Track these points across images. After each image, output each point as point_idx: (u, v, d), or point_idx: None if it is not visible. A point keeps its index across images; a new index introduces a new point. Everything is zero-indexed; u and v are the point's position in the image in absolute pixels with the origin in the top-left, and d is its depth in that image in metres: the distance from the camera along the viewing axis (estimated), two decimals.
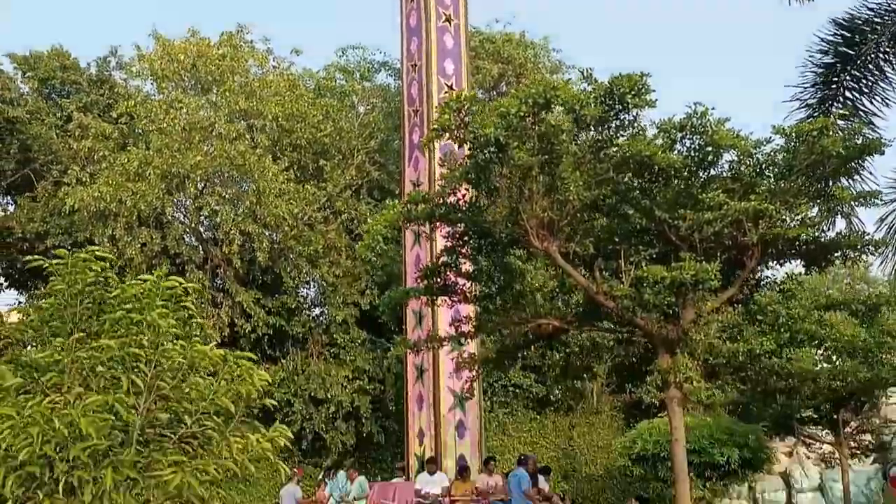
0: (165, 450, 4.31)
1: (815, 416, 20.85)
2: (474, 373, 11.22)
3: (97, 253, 4.61)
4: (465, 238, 9.96)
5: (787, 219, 8.61)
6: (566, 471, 25.98)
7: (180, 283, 4.71)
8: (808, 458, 24.43)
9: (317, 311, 23.35)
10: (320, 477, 19.87)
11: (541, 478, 16.14)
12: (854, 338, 9.89)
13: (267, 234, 20.03)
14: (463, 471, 15.26)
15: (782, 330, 8.50)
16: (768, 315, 8.47)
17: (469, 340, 11.78)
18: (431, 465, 15.41)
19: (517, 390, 25.73)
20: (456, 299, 10.41)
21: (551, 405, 27.14)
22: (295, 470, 19.22)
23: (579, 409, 27.32)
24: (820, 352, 9.46)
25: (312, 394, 20.59)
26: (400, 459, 18.10)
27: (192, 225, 19.91)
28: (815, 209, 8.89)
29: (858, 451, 21.60)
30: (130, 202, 17.92)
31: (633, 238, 9.01)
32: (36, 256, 4.80)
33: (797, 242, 8.96)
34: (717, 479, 22.18)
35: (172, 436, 4.46)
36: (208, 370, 4.81)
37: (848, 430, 20.71)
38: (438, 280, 10.29)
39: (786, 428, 21.75)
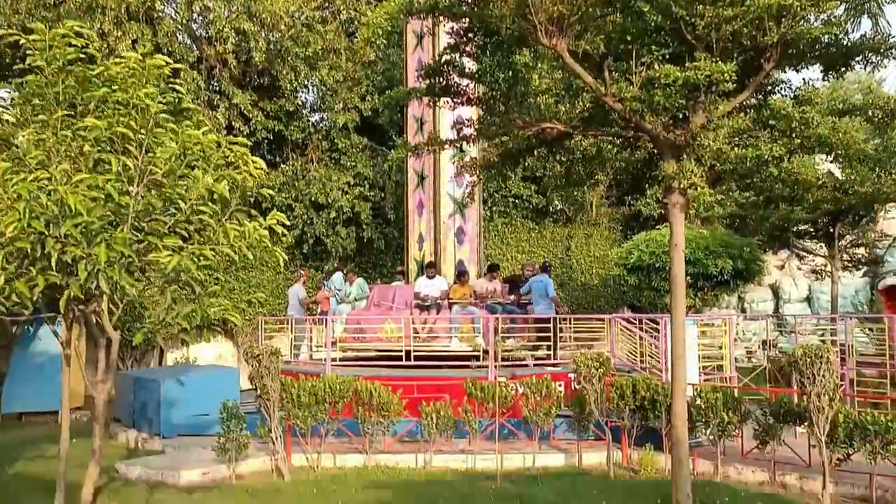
0: (161, 234, 4.21)
1: (812, 230, 21.08)
2: (475, 178, 11.06)
3: (76, 28, 4.28)
4: (470, 35, 9.46)
5: (812, 17, 8.13)
6: (562, 280, 26.57)
7: (167, 63, 4.42)
8: (800, 269, 24.94)
9: (316, 116, 22.90)
10: (322, 279, 20.35)
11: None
12: (866, 144, 9.67)
13: (263, 33, 19.21)
14: (461, 275, 15.53)
15: (794, 136, 8.23)
16: (781, 120, 8.15)
17: (471, 145, 11.52)
18: (431, 269, 15.66)
19: (516, 200, 25.84)
20: (458, 101, 10.05)
21: (550, 216, 27.37)
22: (301, 272, 19.60)
23: (578, 220, 27.60)
24: (829, 159, 9.20)
25: (313, 199, 20.61)
26: (400, 264, 18.40)
27: (184, 21, 19.01)
28: (842, 7, 8.37)
29: (850, 264, 22.02)
30: None
31: (646, 37, 8.50)
32: (11, 31, 4.47)
33: (818, 44, 8.53)
34: (710, 289, 22.72)
35: (168, 221, 4.34)
36: (201, 157, 4.62)
37: (842, 243, 21.00)
38: (440, 80, 9.86)
39: (781, 241, 22.05)
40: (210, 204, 4.52)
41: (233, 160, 4.58)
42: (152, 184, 4.56)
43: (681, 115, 8.75)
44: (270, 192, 20.49)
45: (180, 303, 4.46)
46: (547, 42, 8.22)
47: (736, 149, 8.44)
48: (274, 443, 10.53)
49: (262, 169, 4.70)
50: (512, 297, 15.88)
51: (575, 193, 26.61)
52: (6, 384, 16.03)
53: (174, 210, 4.41)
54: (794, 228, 21.01)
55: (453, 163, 15.97)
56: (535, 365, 14.18)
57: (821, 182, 10.43)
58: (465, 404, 11.10)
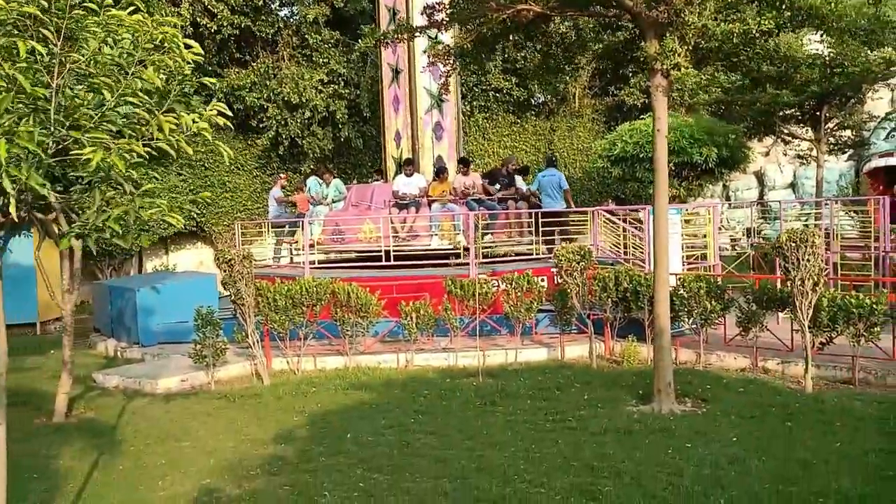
0: (86, 129, 3.79)
1: (798, 114, 20.61)
2: (448, 68, 10.52)
3: None
4: None
5: None
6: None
7: None
8: (785, 155, 24.59)
9: (285, 10, 21.92)
10: (301, 181, 19.89)
11: (518, 178, 16.11)
12: (858, 14, 9.17)
13: None
14: (440, 172, 15.13)
15: (783, 8, 7.73)
16: None
17: (443, 32, 10.89)
18: (408, 166, 15.23)
19: (497, 94, 25.18)
20: None
21: (532, 109, 26.77)
22: (281, 175, 19.11)
23: (560, 112, 27.00)
24: (817, 37, 8.71)
25: (286, 98, 19.92)
26: (379, 163, 17.92)
27: None
28: None
29: (836, 148, 21.67)
30: None
31: None
32: None
33: None
34: (694, 178, 22.47)
35: (95, 115, 3.92)
36: (130, 41, 4.15)
37: (829, 126, 20.59)
38: None
39: (766, 127, 21.59)
40: (142, 95, 4.07)
41: (163, 43, 4.11)
42: (77, 75, 4.10)
43: None
44: (241, 92, 19.95)
45: (113, 204, 4.07)
46: None
47: (722, 24, 7.94)
48: (252, 348, 10.35)
49: (199, 54, 4.23)
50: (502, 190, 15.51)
51: (557, 84, 26.02)
52: None
53: (103, 106, 3.97)
54: (780, 113, 20.51)
55: (427, 54, 15.33)
56: (516, 260, 14.00)
57: (810, 60, 9.87)
58: (446, 302, 10.91)
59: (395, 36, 10.00)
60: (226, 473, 6.63)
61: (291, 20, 21.23)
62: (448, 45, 10.38)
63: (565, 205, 15.70)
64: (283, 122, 20.35)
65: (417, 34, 10.23)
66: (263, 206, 20.61)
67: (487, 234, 14.61)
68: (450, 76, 11.13)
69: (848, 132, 21.57)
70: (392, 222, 14.43)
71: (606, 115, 27.25)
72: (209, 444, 7.51)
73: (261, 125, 20.61)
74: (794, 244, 8.55)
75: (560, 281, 10.93)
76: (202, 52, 4.37)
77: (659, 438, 7.12)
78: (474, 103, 25.22)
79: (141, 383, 10.22)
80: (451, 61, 10.33)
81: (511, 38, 10.14)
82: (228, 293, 10.48)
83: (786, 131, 21.48)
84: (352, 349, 11.13)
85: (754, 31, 7.71)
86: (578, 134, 26.88)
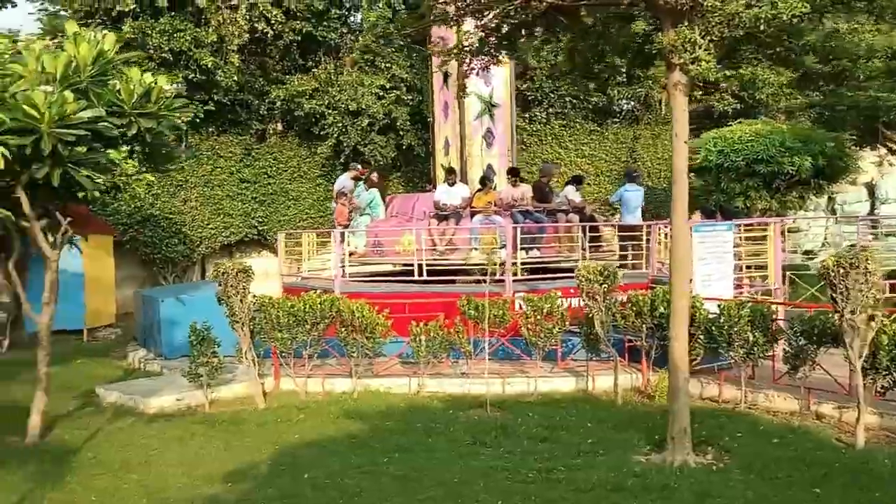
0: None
1: None
2: (469, 66, 9.54)
3: None
4: None
5: None
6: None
7: None
8: (893, 166, 22.30)
9: (348, 15, 21.51)
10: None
11: (570, 188, 15.00)
12: None
13: None
14: (485, 181, 14.19)
15: None
16: None
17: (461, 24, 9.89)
18: (451, 175, 14.35)
19: (574, 100, 23.90)
20: None
21: (613, 116, 25.37)
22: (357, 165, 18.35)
23: (645, 119, 25.48)
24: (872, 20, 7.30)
25: (344, 105, 19.39)
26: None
27: None
28: None
29: None
30: None
31: None
32: None
33: None
34: (787, 189, 20.67)
35: None
36: None
37: None
38: None
39: (869, 133, 19.55)
40: None
41: None
42: None
43: None
44: (301, 99, 19.58)
45: None
46: None
47: (752, 8, 6.71)
48: (250, 367, 9.71)
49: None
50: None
51: (640, 90, 24.58)
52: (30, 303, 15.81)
53: None
54: (885, 118, 18.49)
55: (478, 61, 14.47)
56: (562, 278, 12.88)
57: (868, 53, 8.19)
58: (458, 324, 9.96)
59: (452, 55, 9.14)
60: None
61: (354, 24, 20.77)
62: (459, 44, 9.42)
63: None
64: (343, 130, 19.84)
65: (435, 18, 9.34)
66: (326, 215, 20.19)
67: (533, 248, 13.56)
68: (485, 67, 9.99)
69: None
70: (431, 234, 13.60)
71: (695, 122, 25.49)
72: (156, 481, 6.85)
73: (322, 132, 20.21)
74: (841, 270, 7.18)
75: (583, 304, 9.79)
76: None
77: (650, 500, 5.97)
78: (550, 110, 24.08)
79: (136, 401, 9.76)
80: (468, 59, 9.38)
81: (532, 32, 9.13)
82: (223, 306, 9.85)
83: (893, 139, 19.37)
84: (363, 371, 10.34)
85: (786, 17, 6.43)
86: (664, 142, 25.24)
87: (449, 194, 14.05)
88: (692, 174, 20.87)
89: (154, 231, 19.47)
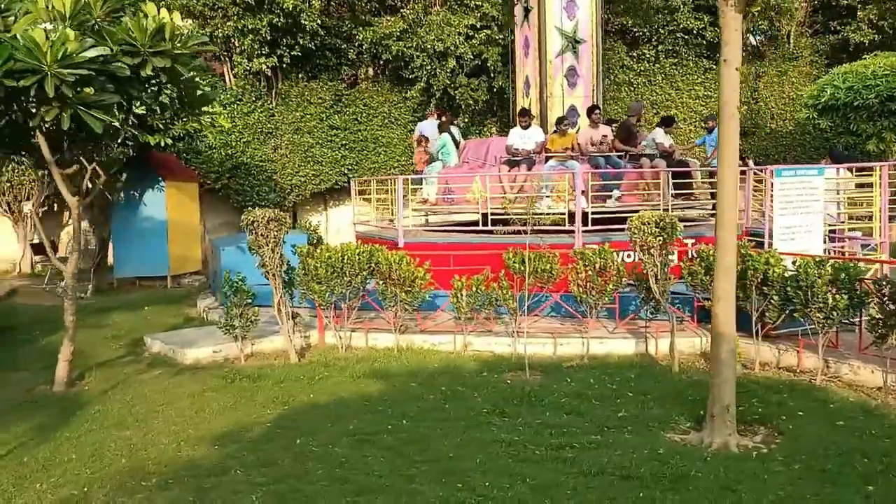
0: None
1: None
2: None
3: None
4: None
5: None
6: (745, 128, 22.79)
7: None
8: None
9: None
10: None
11: (659, 130, 13.67)
12: None
13: None
14: (561, 122, 13.12)
15: None
16: None
17: None
18: (524, 117, 13.34)
19: (687, 36, 22.05)
20: None
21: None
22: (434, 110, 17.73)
23: (770, 55, 23.22)
24: None
25: (429, 46, 18.57)
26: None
27: None
28: None
29: None
30: None
31: None
32: None
33: None
34: None
35: None
36: None
37: None
38: None
39: None
40: None
41: None
42: None
43: None
44: (388, 41, 18.89)
45: None
46: None
47: None
48: (281, 322, 9.30)
49: None
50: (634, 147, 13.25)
51: (761, 23, 22.36)
52: (115, 251, 16.22)
53: None
54: None
55: None
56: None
57: None
58: (502, 278, 9.13)
59: None
60: (118, 481, 5.62)
61: None
62: None
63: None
64: (432, 73, 19.07)
65: None
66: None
67: (609, 196, 12.46)
68: None
69: None
70: (500, 181, 12.74)
71: (830, 56, 23.03)
72: (144, 439, 6.53)
73: (411, 76, 19.52)
74: None
75: (638, 259, 8.73)
76: None
77: (660, 492, 5.07)
78: (660, 47, 22.36)
79: (175, 351, 9.58)
80: None
81: None
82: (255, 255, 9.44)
83: None
84: (408, 326, 9.76)
85: None
86: (791, 80, 23.03)
87: (522, 138, 13.09)
88: (816, 114, 18.91)
89: (245, 179, 19.50)
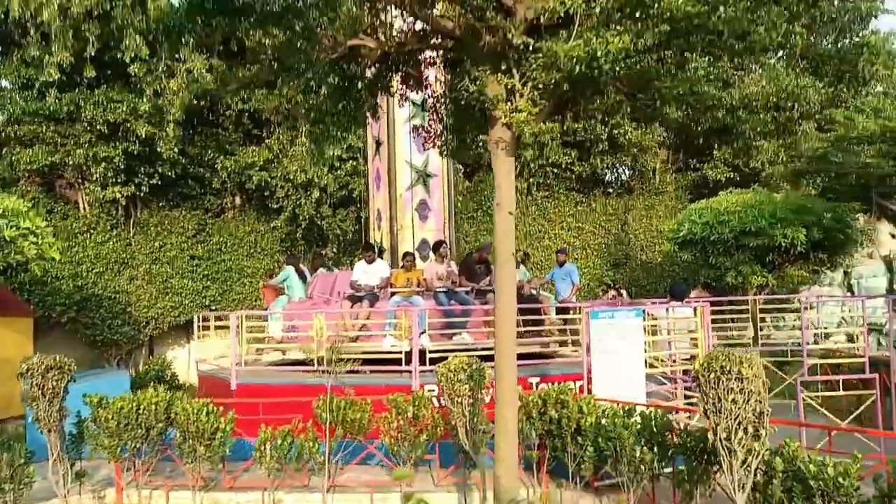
0: None
1: None
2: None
3: None
4: None
5: None
6: (616, 258, 23.23)
7: None
8: (894, 237, 20.38)
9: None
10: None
11: (522, 268, 13.55)
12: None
13: None
14: (406, 258, 12.80)
15: (648, 18, 4.97)
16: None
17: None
18: (369, 252, 12.97)
19: (556, 170, 22.55)
20: None
21: (601, 186, 23.95)
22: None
23: (638, 189, 23.98)
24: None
25: (291, 177, 18.34)
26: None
27: None
28: None
29: None
30: None
31: None
32: None
33: None
34: (781, 263, 19.02)
35: None
36: None
37: None
38: None
39: (864, 202, 17.81)
40: None
41: None
42: None
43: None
44: (251, 171, 18.57)
45: None
46: None
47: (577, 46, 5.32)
48: (60, 483, 8.26)
49: None
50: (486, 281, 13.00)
51: (630, 158, 23.13)
52: None
53: None
54: (876, 187, 16.78)
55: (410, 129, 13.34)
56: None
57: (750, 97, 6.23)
58: (310, 428, 8.42)
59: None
60: None
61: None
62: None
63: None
64: (297, 203, 18.74)
65: None
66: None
67: (457, 333, 12.06)
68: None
69: None
70: (342, 318, 12.18)
71: (692, 191, 23.95)
72: None
73: (277, 205, 19.15)
74: (712, 375, 5.57)
75: (445, 405, 8.19)
76: None
77: None
78: (531, 180, 22.77)
79: None
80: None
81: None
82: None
83: (891, 208, 17.61)
84: (216, 481, 8.85)
85: (632, 49, 5.00)
86: (658, 213, 23.72)
87: (366, 273, 12.66)
88: (676, 247, 19.36)
89: (96, 311, 18.37)
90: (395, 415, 8.18)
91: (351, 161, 18.90)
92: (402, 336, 11.90)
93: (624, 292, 21.26)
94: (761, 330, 17.38)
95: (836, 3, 23.32)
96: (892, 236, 24.60)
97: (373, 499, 8.36)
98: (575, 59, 5.01)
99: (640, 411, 7.30)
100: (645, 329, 9.47)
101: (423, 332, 11.47)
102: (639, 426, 7.09)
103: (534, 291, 13.65)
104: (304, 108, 7.69)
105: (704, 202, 19.18)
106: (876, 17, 24.18)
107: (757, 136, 8.61)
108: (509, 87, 5.56)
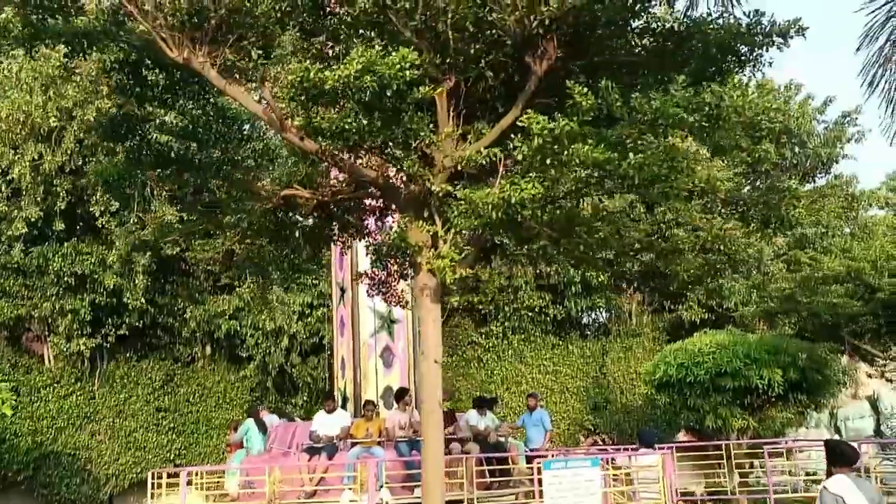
0: None
1: (874, 326, 16.69)
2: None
3: None
4: None
5: None
6: (596, 402, 22.83)
7: None
8: (870, 377, 20.16)
9: None
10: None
11: (472, 413, 13.20)
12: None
13: None
14: (367, 406, 12.47)
15: (573, 167, 5.03)
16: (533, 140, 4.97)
17: None
18: (329, 401, 12.66)
19: (531, 313, 22.50)
20: None
21: (577, 329, 23.86)
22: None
23: (615, 331, 23.90)
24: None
25: (259, 325, 18.21)
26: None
27: None
28: None
29: None
30: None
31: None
32: None
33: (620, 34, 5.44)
34: (759, 406, 18.65)
35: None
36: None
37: None
38: None
39: (835, 342, 17.70)
40: None
41: None
42: None
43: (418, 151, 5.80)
44: (220, 319, 18.42)
45: None
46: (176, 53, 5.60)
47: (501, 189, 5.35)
48: None
49: None
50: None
51: (605, 301, 23.17)
52: None
53: None
54: (848, 326, 16.71)
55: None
56: None
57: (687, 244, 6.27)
58: None
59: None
60: None
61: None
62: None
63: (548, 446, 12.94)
64: (266, 351, 18.51)
65: None
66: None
67: (420, 485, 11.52)
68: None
69: None
70: (300, 472, 11.70)
71: (669, 332, 23.86)
72: None
73: (247, 354, 18.90)
74: None
75: None
76: None
77: None
78: (506, 324, 22.65)
79: None
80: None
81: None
82: None
83: (862, 349, 17.48)
84: None
85: (537, 196, 5.02)
86: (636, 355, 23.50)
87: (325, 423, 12.28)
88: (653, 390, 19.06)
89: (55, 469, 17.68)
90: None
91: (322, 308, 18.83)
92: (361, 490, 11.41)
93: (605, 437, 20.76)
94: (749, 476, 16.85)
95: (796, 150, 24.24)
96: (869, 376, 24.34)
97: None
98: (492, 206, 5.01)
99: None
100: (608, 478, 9.09)
101: (381, 486, 11.00)
102: None
103: (501, 439, 13.22)
104: (243, 257, 7.57)
105: (679, 344, 19.03)
106: (837, 162, 25.10)
107: (688, 280, 8.65)
108: (432, 234, 5.54)
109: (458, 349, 22.40)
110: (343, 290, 14.27)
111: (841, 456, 6.08)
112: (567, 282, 21.80)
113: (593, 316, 24.81)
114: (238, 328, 18.59)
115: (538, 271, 22.12)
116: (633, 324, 23.94)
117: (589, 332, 24.49)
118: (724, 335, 18.71)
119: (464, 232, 5.46)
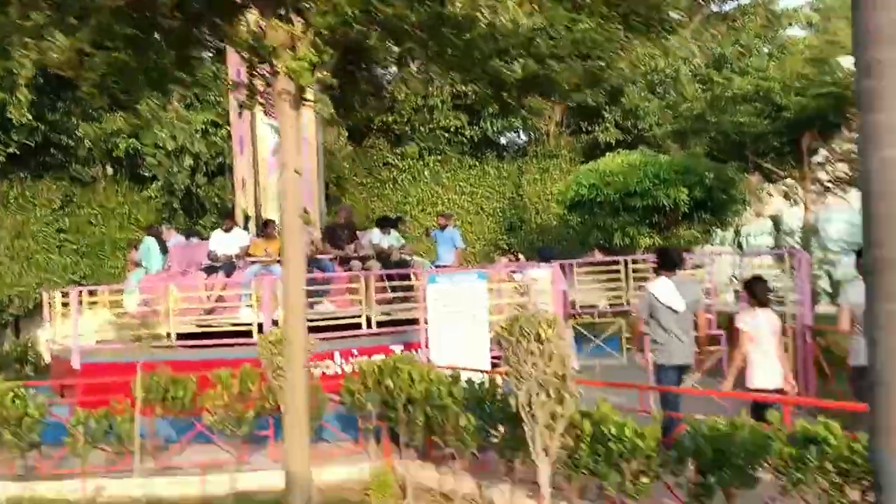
0: None
1: (776, 145, 16.94)
2: None
3: None
4: None
5: None
6: (512, 222, 23.07)
7: None
8: (770, 195, 20.77)
9: None
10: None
11: (375, 231, 13.11)
12: None
13: None
14: (266, 226, 12.24)
15: None
16: None
17: None
18: (227, 220, 12.38)
19: (448, 134, 22.15)
20: None
21: (494, 149, 23.68)
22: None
23: (531, 153, 23.83)
24: None
25: (160, 144, 17.45)
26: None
27: None
28: None
29: (834, 184, 17.83)
30: None
31: None
32: None
33: None
34: (668, 224, 19.07)
35: None
36: None
37: (817, 158, 16.85)
38: None
39: (740, 161, 18.00)
40: None
41: None
42: None
43: None
44: (116, 138, 17.55)
45: None
46: None
47: None
48: None
49: None
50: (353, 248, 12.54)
51: (522, 122, 22.95)
52: None
53: None
54: (754, 146, 16.94)
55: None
56: (346, 336, 10.95)
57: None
58: (127, 408, 7.86)
59: None
60: None
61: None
62: None
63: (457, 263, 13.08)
64: (171, 171, 17.86)
65: None
66: None
67: (319, 302, 11.57)
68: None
69: (844, 166, 17.74)
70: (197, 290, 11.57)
71: (585, 154, 23.91)
72: None
73: (150, 174, 18.23)
74: (513, 338, 5.26)
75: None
76: None
77: None
78: (422, 145, 22.31)
79: None
80: None
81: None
82: None
83: (765, 167, 17.82)
84: (36, 468, 8.24)
85: None
86: (553, 176, 23.57)
87: (223, 242, 12.05)
88: (565, 210, 19.30)
89: None
90: (220, 390, 7.69)
91: (227, 127, 18.07)
92: (258, 307, 11.39)
93: (521, 257, 21.17)
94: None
95: None
96: (769, 195, 25.10)
97: (204, 480, 7.89)
98: (351, 2, 4.56)
99: (465, 378, 6.99)
100: (500, 291, 9.21)
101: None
102: (465, 395, 6.79)
103: (407, 257, 13.26)
104: (100, 62, 6.89)
105: (591, 164, 19.12)
106: None
107: (568, 89, 8.37)
108: (290, 35, 5.08)
109: (374, 170, 22.10)
110: (241, 107, 13.56)
111: (667, 260, 6.85)
112: (484, 101, 21.33)
113: (511, 137, 24.66)
114: (138, 147, 17.77)
115: (454, 90, 21.57)
116: (551, 145, 23.87)
117: (506, 154, 24.37)
118: (635, 156, 18.80)
119: (324, 32, 5.00)
